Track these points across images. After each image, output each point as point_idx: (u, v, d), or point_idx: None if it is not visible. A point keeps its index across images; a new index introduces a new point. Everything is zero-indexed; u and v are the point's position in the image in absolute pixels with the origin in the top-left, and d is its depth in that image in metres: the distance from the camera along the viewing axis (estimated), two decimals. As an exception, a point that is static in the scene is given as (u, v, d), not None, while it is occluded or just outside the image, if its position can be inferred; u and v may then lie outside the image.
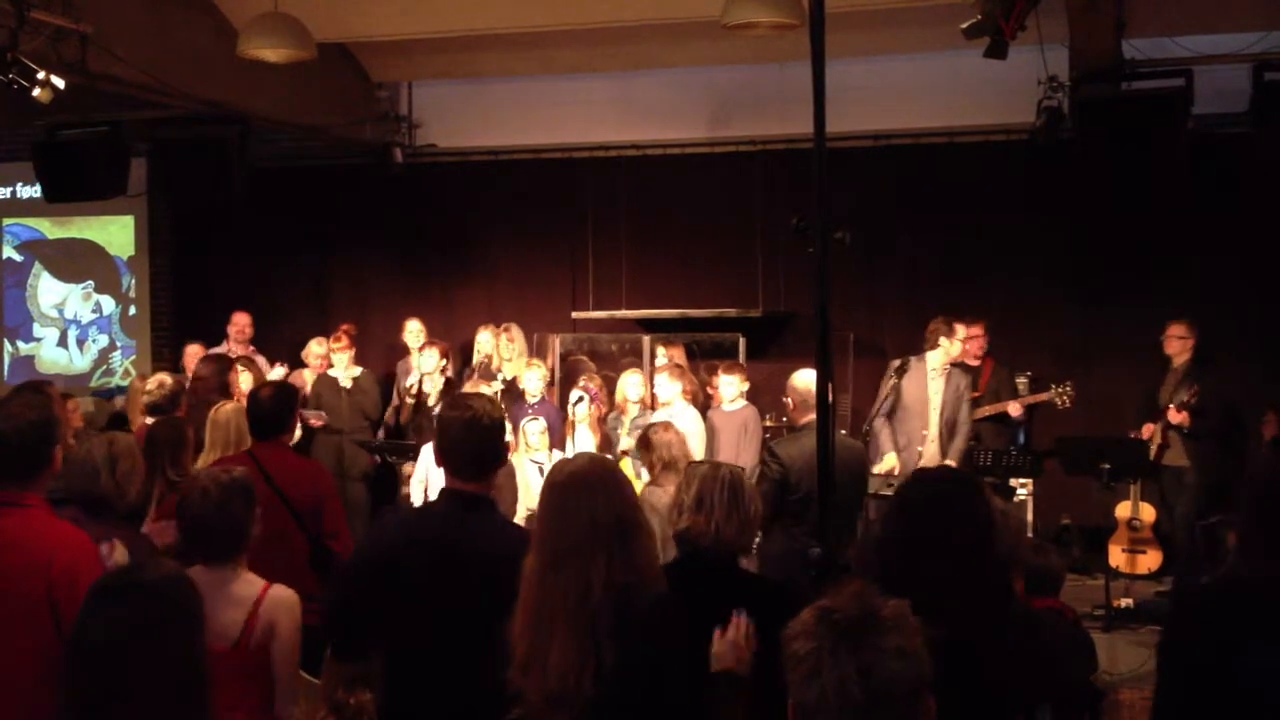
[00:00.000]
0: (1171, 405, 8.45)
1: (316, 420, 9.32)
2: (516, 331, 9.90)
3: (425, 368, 9.57)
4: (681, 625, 3.07)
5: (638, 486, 8.17)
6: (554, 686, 2.94)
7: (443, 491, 3.65)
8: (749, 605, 3.44)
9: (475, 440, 3.56)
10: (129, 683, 2.55)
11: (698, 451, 7.81)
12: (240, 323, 10.60)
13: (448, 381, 9.65)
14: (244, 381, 8.88)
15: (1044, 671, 3.06)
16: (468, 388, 9.41)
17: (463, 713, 3.39)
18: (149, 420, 6.75)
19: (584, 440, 8.32)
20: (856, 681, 1.96)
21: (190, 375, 9.43)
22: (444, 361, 9.69)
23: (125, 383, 12.09)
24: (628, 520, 3.14)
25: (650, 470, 6.60)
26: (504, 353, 9.75)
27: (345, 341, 9.81)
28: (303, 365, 10.18)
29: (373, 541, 3.70)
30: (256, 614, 3.76)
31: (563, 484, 3.14)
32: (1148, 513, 8.91)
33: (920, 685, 2.01)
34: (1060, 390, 8.99)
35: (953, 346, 8.38)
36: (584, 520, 3.05)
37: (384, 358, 11.11)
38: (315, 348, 10.10)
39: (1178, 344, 8.66)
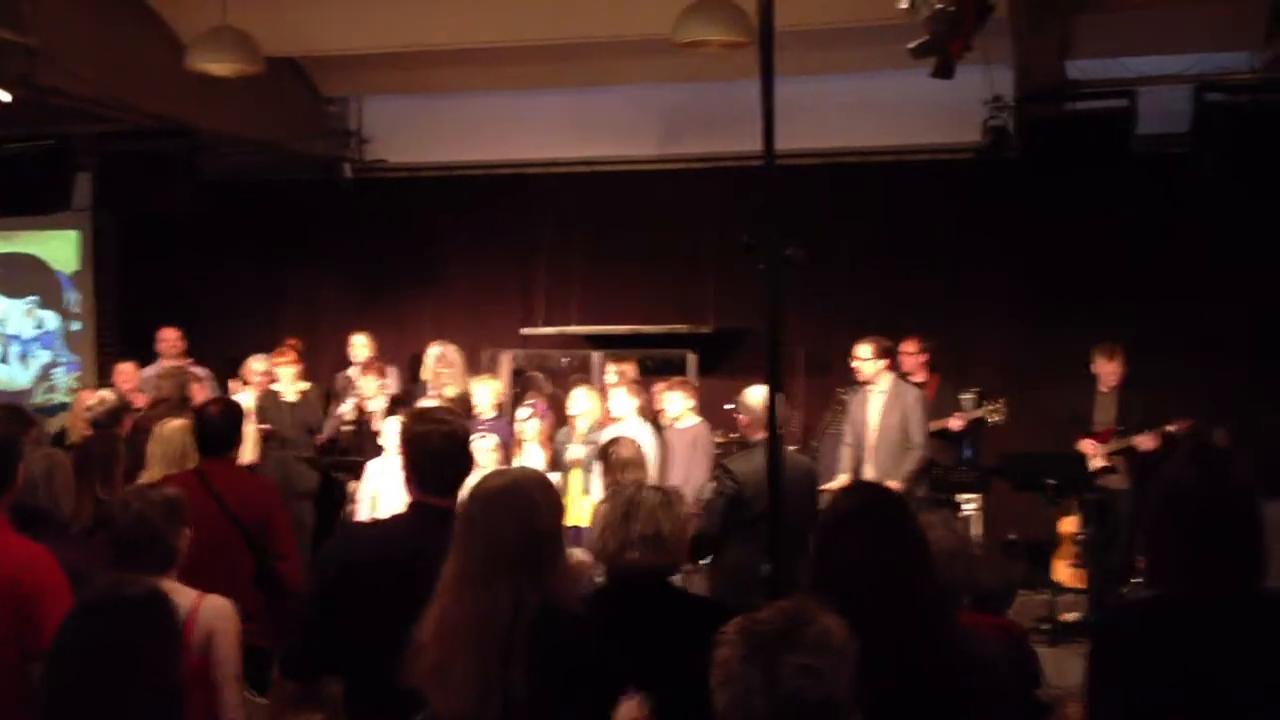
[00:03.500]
0: (1145, 433, 8.34)
1: (263, 430, 9.26)
2: (452, 354, 9.82)
3: (365, 393, 9.47)
4: (595, 648, 3.04)
5: (587, 501, 8.18)
6: (456, 706, 2.89)
7: (412, 505, 3.60)
8: (672, 624, 3.45)
9: (453, 453, 3.56)
10: (107, 701, 2.54)
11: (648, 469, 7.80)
12: (169, 338, 10.42)
13: (393, 399, 9.57)
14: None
15: (972, 696, 3.07)
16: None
17: None
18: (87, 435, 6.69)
19: (532, 457, 8.29)
20: (759, 692, 2.00)
21: (124, 392, 9.33)
22: (384, 380, 9.61)
23: (69, 399, 11.95)
24: (542, 541, 3.02)
25: (605, 489, 6.59)
26: (444, 379, 9.66)
27: (291, 356, 9.72)
28: (243, 382, 10.05)
29: (340, 558, 3.62)
30: (192, 625, 3.73)
31: (478, 501, 3.06)
32: (1092, 528, 8.99)
33: (829, 704, 2.03)
34: (992, 408, 9.05)
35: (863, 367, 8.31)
36: (490, 540, 2.96)
37: (332, 373, 11.02)
38: (255, 364, 9.96)
39: (1108, 375, 8.63)
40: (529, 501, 3.02)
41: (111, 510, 3.87)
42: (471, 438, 8.37)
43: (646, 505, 3.77)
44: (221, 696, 3.76)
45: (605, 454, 6.59)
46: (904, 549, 3.05)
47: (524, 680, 2.86)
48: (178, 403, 7.98)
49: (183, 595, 3.77)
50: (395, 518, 3.72)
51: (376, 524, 4.14)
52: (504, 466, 8.31)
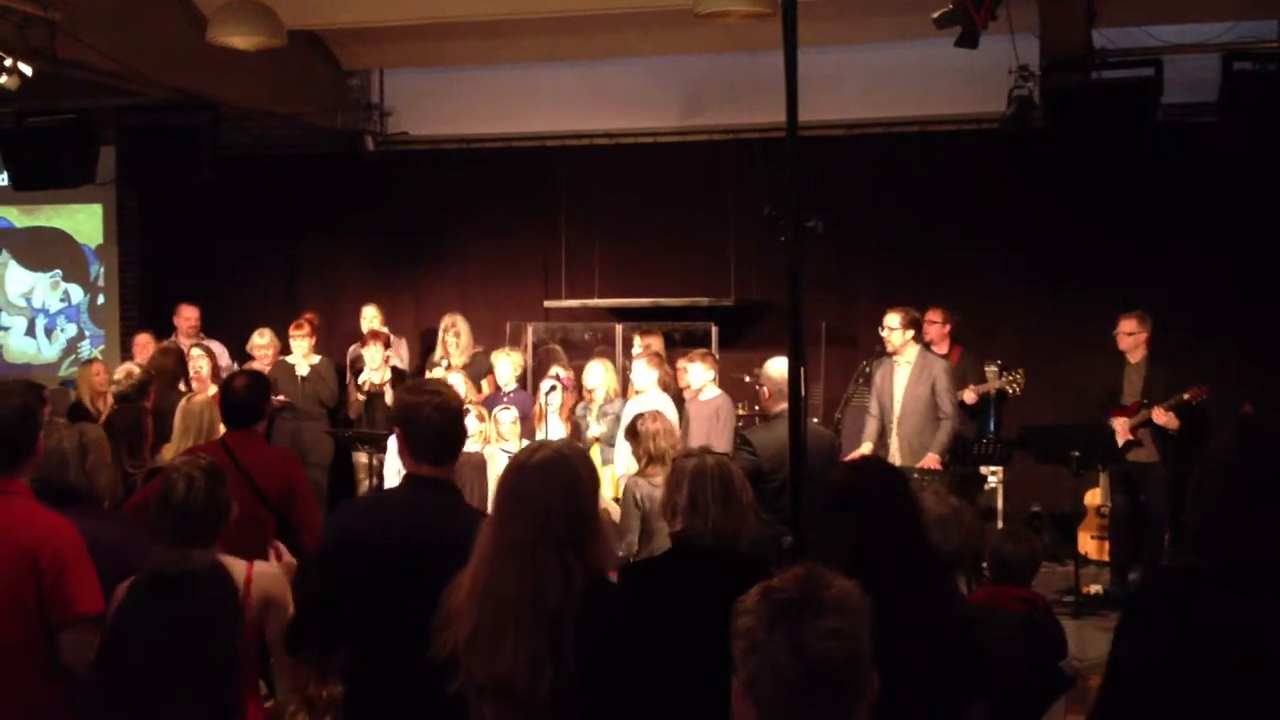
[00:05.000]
0: (1159, 406, 8.25)
1: (279, 401, 9.36)
2: (463, 325, 9.87)
3: (370, 363, 9.54)
4: (639, 618, 3.06)
5: (607, 472, 8.20)
6: (504, 676, 2.89)
7: (407, 477, 3.61)
8: (745, 589, 3.47)
9: (445, 423, 3.54)
10: (170, 672, 2.57)
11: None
12: (188, 315, 10.53)
13: (396, 371, 9.62)
14: (202, 368, 8.90)
15: (975, 667, 3.10)
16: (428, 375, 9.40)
17: (431, 698, 3.37)
18: (104, 408, 6.75)
19: (554, 429, 8.31)
20: (789, 658, 2.02)
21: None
22: (388, 353, 9.66)
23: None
24: (587, 516, 3.04)
25: (638, 460, 6.62)
26: (452, 349, 9.73)
27: (306, 329, 9.79)
28: (249, 358, 10.13)
29: (338, 530, 3.63)
30: (249, 595, 3.79)
31: (524, 471, 3.06)
32: (1117, 500, 8.97)
33: (855, 664, 2.05)
34: (1010, 378, 9.03)
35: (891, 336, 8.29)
36: (539, 514, 2.96)
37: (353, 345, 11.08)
38: (257, 339, 10.05)
39: (1129, 340, 8.52)
40: (574, 474, 3.03)
41: (173, 482, 3.88)
42: (494, 410, 8.44)
43: (738, 476, 3.82)
44: (277, 660, 3.83)
45: (634, 428, 6.60)
46: (889, 522, 3.12)
47: (575, 653, 2.88)
48: (170, 378, 8.09)
49: (235, 566, 3.83)
50: (392, 490, 3.72)
51: (373, 497, 4.14)
52: (527, 438, 8.34)
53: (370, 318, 10.40)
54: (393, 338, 10.35)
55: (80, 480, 4.34)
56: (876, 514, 3.18)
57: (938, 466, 7.77)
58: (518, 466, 3.10)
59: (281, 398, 9.49)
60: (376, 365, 9.49)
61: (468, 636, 2.95)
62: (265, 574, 3.88)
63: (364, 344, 9.76)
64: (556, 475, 3.01)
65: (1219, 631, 2.65)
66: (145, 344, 9.86)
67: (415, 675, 3.36)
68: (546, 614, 2.90)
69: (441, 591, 3.14)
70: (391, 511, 3.59)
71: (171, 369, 8.55)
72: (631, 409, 7.76)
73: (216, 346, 10.12)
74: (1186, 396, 8.23)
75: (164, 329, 10.49)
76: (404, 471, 3.64)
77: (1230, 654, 2.63)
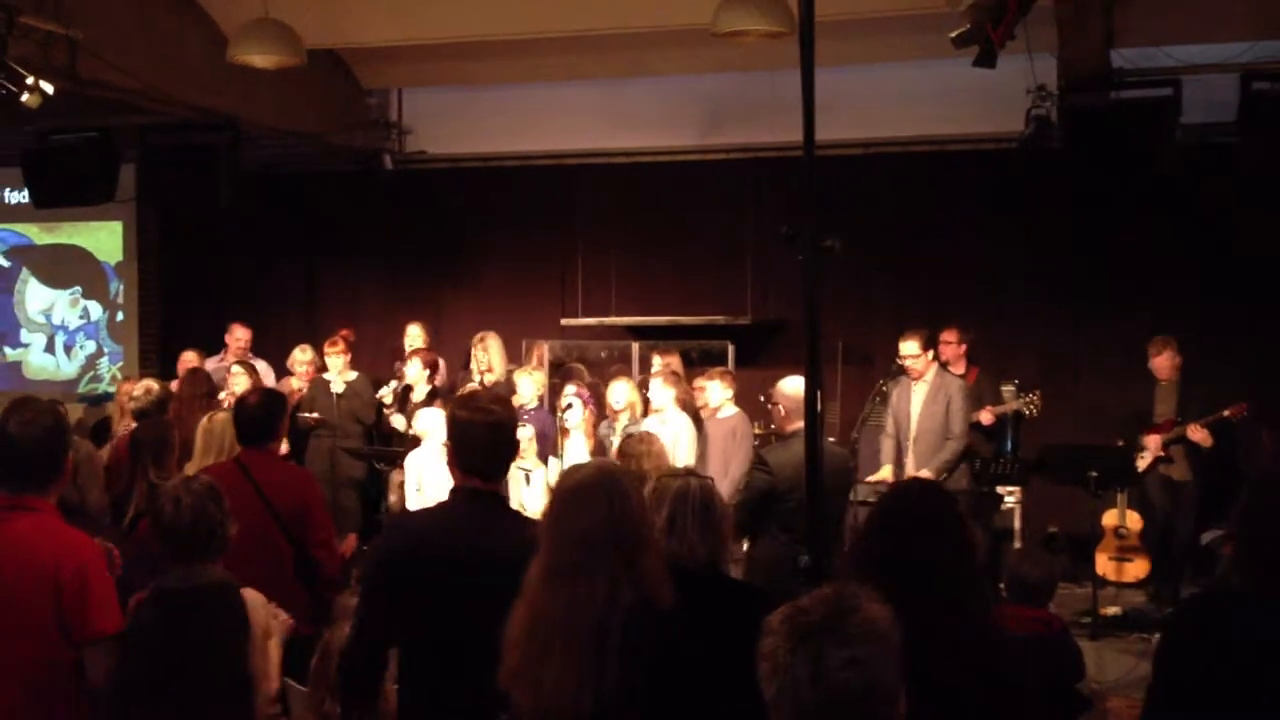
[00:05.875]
0: (1195, 423, 8.34)
1: (313, 419, 9.38)
2: (491, 340, 9.87)
3: (410, 377, 9.56)
4: (689, 642, 3.03)
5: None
6: (549, 703, 2.87)
7: (457, 490, 3.58)
8: (726, 612, 3.44)
9: (498, 440, 3.54)
10: (185, 687, 2.57)
11: (687, 458, 7.79)
12: (240, 335, 10.55)
13: (434, 390, 9.63)
14: (239, 385, 8.90)
15: (1004, 694, 3.08)
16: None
17: (480, 712, 3.35)
18: (132, 424, 6.76)
19: (577, 446, 8.30)
20: (807, 684, 2.01)
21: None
22: (428, 371, 9.68)
23: (114, 389, 12.07)
24: (632, 535, 3.02)
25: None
26: (481, 366, 9.74)
27: (341, 346, 9.82)
28: (289, 373, 10.17)
29: (389, 551, 3.60)
30: None
31: (566, 494, 3.07)
32: (1134, 521, 8.95)
33: (873, 693, 2.03)
34: (1027, 399, 9.01)
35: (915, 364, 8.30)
36: (581, 535, 2.96)
37: (373, 364, 11.08)
38: (299, 354, 10.10)
39: (1159, 361, 8.67)
40: (614, 492, 3.02)
41: (161, 504, 3.88)
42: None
43: (720, 501, 3.79)
44: (258, 687, 3.80)
45: (623, 449, 6.61)
46: (941, 548, 3.07)
47: (618, 673, 2.85)
48: (203, 397, 8.07)
49: None
50: (443, 504, 3.68)
51: (425, 511, 4.08)
52: (541, 457, 8.34)
53: (415, 335, 10.42)
54: (439, 360, 10.34)
55: (73, 495, 4.34)
56: (919, 537, 3.12)
57: (933, 482, 7.77)
58: (556, 492, 3.12)
59: (317, 415, 9.53)
60: (415, 380, 9.52)
61: (515, 666, 2.93)
62: (249, 602, 3.83)
63: (410, 357, 9.79)
64: (594, 496, 3.01)
65: (1257, 652, 2.64)
66: (190, 361, 9.85)
67: (465, 688, 3.33)
68: (590, 637, 2.88)
69: (493, 604, 3.10)
70: (442, 525, 3.55)
71: (202, 395, 8.44)
72: (650, 428, 7.75)
73: (262, 366, 10.15)
74: (1227, 414, 8.32)
75: (189, 346, 10.45)
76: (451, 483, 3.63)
77: (1268, 674, 2.62)
